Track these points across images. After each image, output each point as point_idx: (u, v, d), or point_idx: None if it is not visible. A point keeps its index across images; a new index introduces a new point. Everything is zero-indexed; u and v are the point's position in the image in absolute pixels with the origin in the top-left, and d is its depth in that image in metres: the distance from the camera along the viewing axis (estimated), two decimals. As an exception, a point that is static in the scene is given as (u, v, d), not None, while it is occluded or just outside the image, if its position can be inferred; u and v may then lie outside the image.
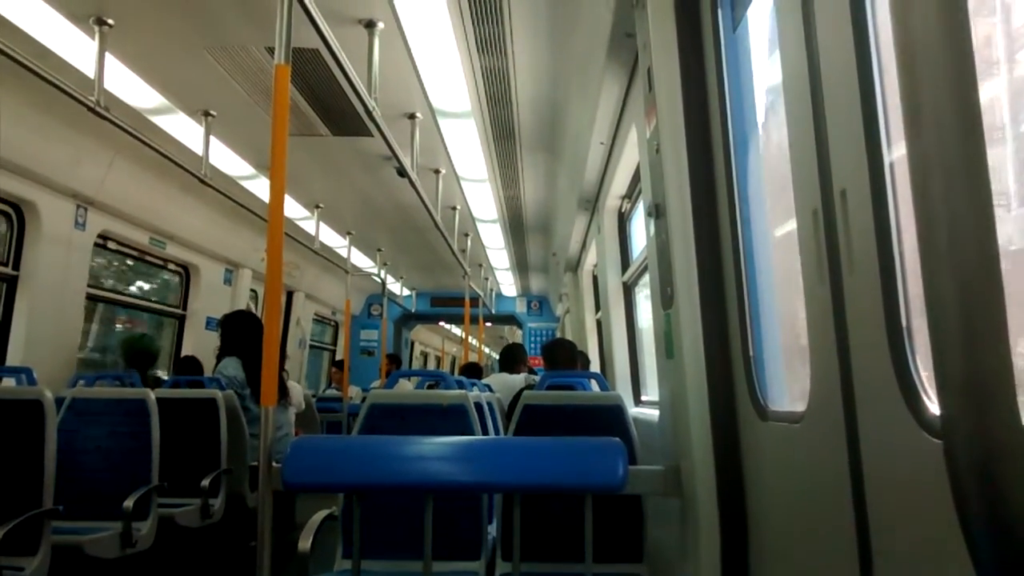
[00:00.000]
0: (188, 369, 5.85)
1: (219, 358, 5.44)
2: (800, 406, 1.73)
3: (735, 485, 2.21)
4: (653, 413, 3.50)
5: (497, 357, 8.66)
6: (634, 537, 3.12)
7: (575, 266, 8.57)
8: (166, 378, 6.09)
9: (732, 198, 2.18)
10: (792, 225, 1.71)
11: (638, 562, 3.11)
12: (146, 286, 7.33)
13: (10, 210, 4.94)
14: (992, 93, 1.29)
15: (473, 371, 7.38)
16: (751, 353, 2.10)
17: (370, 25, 3.85)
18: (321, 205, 7.52)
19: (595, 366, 7.27)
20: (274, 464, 2.43)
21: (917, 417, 1.20)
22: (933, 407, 1.18)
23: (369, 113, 4.04)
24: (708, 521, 2.24)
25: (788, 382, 2.08)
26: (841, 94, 1.42)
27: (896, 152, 1.32)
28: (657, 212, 2.57)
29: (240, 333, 5.33)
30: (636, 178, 4.85)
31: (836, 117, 1.45)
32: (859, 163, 1.35)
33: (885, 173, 1.31)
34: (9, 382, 4.37)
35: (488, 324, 14.25)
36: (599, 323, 7.41)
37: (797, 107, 1.61)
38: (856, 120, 1.35)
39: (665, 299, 2.55)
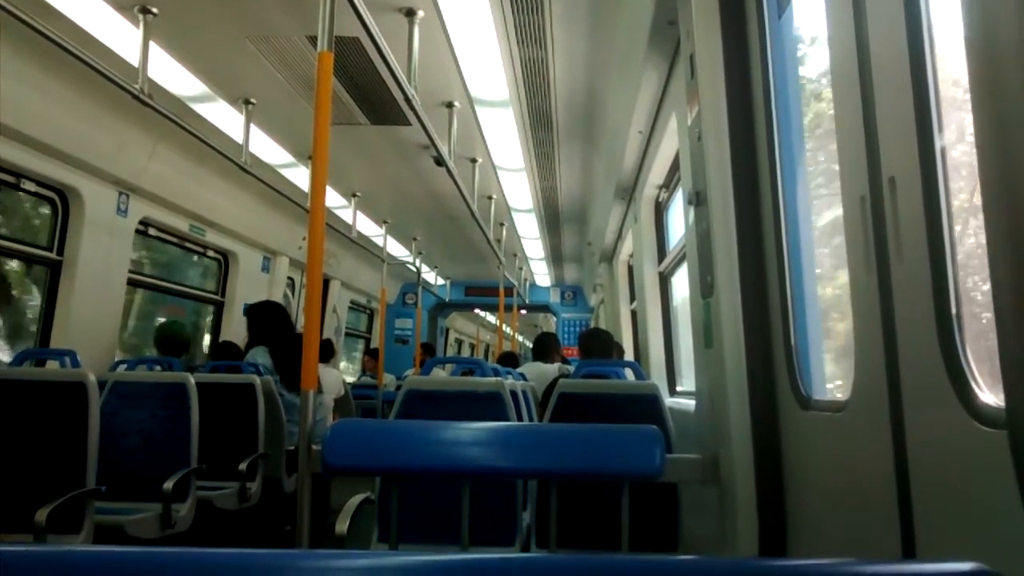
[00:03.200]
0: (226, 354, 5.92)
1: (247, 348, 5.50)
2: (842, 395, 1.71)
3: (774, 474, 2.20)
4: (688, 403, 3.48)
5: (531, 346, 8.66)
6: (670, 526, 3.12)
7: (610, 256, 8.54)
8: (201, 364, 6.17)
9: (775, 185, 2.16)
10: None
11: (673, 551, 3.11)
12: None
13: (55, 196, 5.02)
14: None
15: (509, 360, 7.40)
16: (793, 341, 2.08)
17: (410, 13, 3.86)
18: (358, 194, 7.56)
19: (629, 357, 7.25)
20: (313, 447, 2.45)
21: (967, 406, 1.18)
22: (984, 396, 1.17)
23: (408, 101, 4.05)
24: (746, 510, 2.23)
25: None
26: (891, 80, 1.40)
27: (948, 139, 1.30)
28: (698, 200, 2.55)
29: (267, 322, 5.40)
30: (674, 167, 4.82)
31: (886, 103, 1.43)
32: (909, 150, 1.33)
33: (936, 161, 1.29)
34: (53, 365, 4.45)
35: (522, 313, 14.25)
36: (634, 313, 7.38)
37: (845, 93, 1.59)
38: (907, 107, 1.33)
39: (705, 287, 2.53)
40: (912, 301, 1.36)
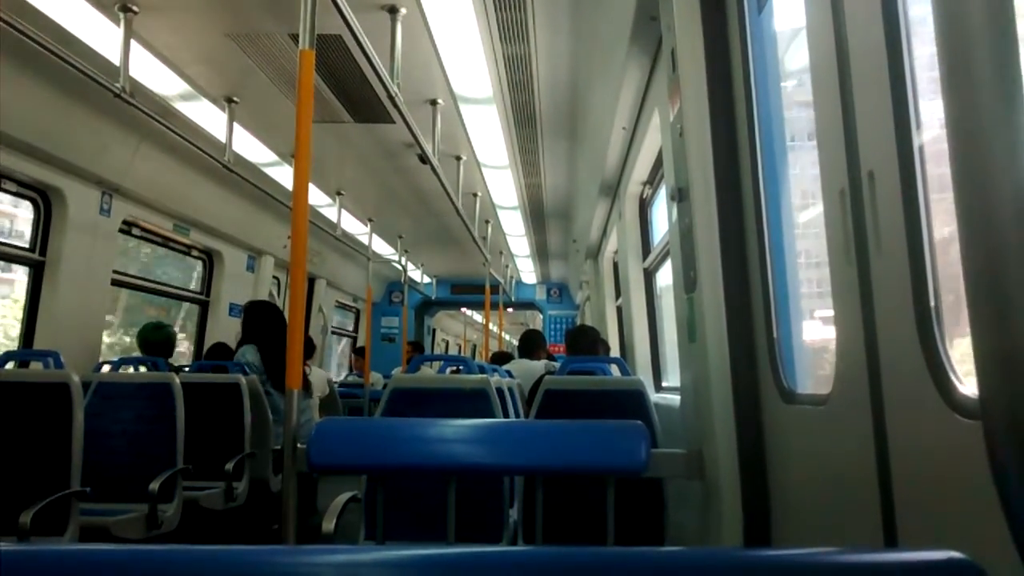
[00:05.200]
0: (219, 355, 5.89)
1: (239, 345, 5.48)
2: (824, 388, 1.72)
3: (758, 468, 2.21)
4: (674, 399, 3.50)
5: (517, 344, 8.67)
6: (655, 521, 3.13)
7: (595, 253, 8.56)
8: (186, 366, 6.15)
9: (756, 180, 2.17)
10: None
11: (659, 546, 3.11)
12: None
13: (37, 196, 4.99)
14: None
15: (502, 359, 7.40)
16: (775, 335, 2.09)
17: (393, 11, 3.85)
18: (343, 192, 7.55)
19: (615, 353, 7.26)
20: (299, 446, 2.45)
21: (946, 397, 1.20)
22: (963, 388, 1.18)
23: (392, 99, 4.05)
24: (731, 504, 2.25)
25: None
26: (870, 74, 1.41)
27: (926, 133, 1.31)
28: (680, 196, 2.56)
29: (261, 321, 5.38)
30: (658, 164, 4.83)
31: (864, 97, 1.44)
32: (888, 144, 1.34)
33: (914, 154, 1.30)
34: (37, 366, 4.43)
35: (508, 311, 14.26)
36: (619, 310, 7.40)
37: (824, 87, 1.60)
38: (885, 100, 1.34)
39: (688, 282, 2.54)
40: (892, 294, 1.37)
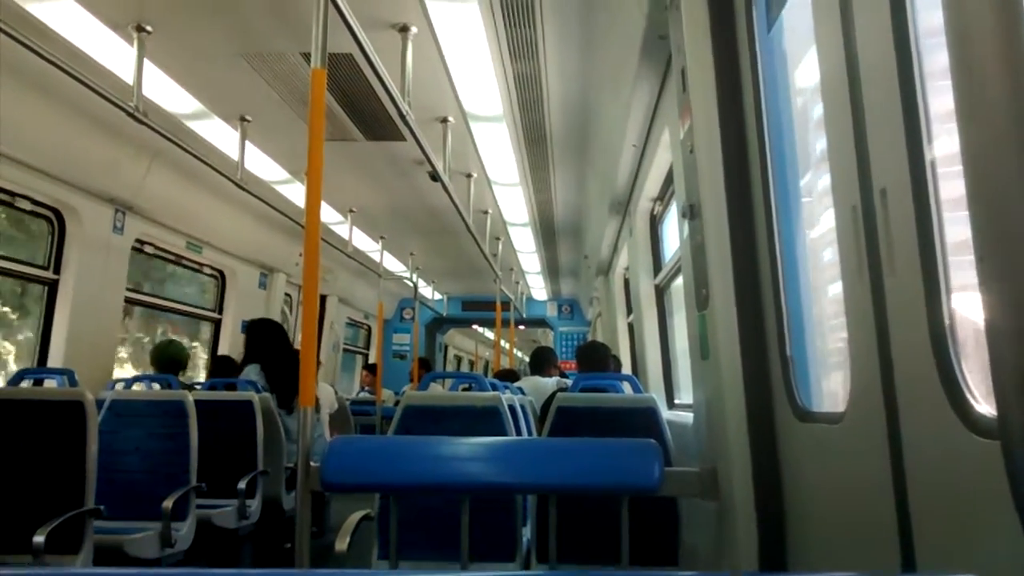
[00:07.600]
0: (224, 369, 5.90)
1: (243, 364, 5.49)
2: (839, 407, 1.71)
3: (773, 487, 2.19)
4: (687, 416, 3.48)
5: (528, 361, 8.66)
6: (669, 540, 3.11)
7: (606, 269, 8.56)
8: (198, 383, 6.17)
9: (768, 196, 2.17)
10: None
11: (673, 565, 3.10)
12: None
13: (51, 215, 5.03)
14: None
15: (508, 376, 7.39)
16: (788, 353, 2.08)
17: (404, 30, 3.88)
18: (354, 209, 7.58)
19: (627, 370, 7.24)
20: (312, 464, 2.45)
21: (962, 417, 1.19)
22: (979, 407, 1.17)
23: (403, 117, 4.07)
24: (745, 524, 2.23)
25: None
26: (881, 91, 1.41)
27: (938, 150, 1.30)
28: (691, 213, 2.56)
29: (264, 340, 5.38)
30: (668, 180, 4.84)
31: (876, 114, 1.44)
32: (900, 161, 1.34)
33: (927, 171, 1.30)
34: (51, 383, 4.44)
35: (520, 328, 14.25)
36: (631, 326, 7.39)
37: (836, 104, 1.60)
38: (896, 117, 1.34)
39: (700, 300, 2.54)
40: (905, 312, 1.36)
